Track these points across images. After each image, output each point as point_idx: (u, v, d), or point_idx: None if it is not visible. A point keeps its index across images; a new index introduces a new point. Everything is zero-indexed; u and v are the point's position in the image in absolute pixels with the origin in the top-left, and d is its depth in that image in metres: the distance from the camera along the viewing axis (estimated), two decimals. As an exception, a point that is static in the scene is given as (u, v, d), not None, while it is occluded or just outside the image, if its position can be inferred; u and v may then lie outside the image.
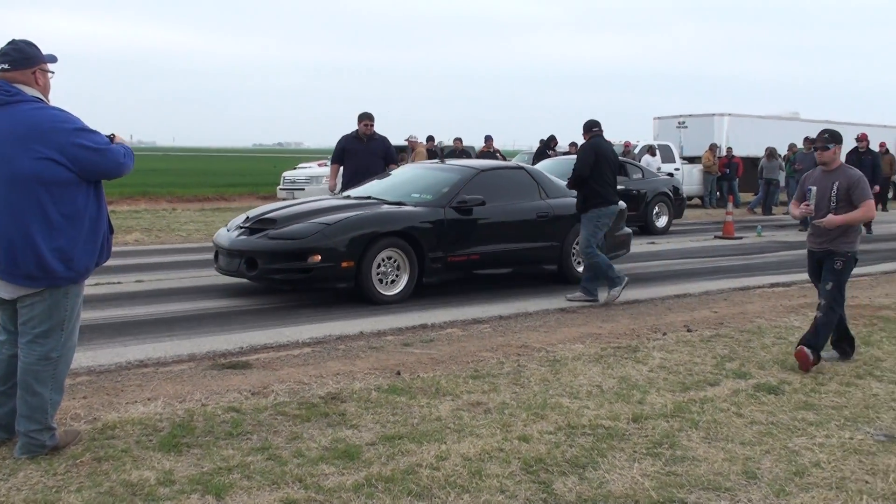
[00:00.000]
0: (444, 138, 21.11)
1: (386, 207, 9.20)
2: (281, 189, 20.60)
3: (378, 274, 8.75)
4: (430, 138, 20.24)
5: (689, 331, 7.65)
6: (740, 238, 16.28)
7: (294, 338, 7.20)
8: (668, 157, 24.52)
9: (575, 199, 9.94)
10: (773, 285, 10.57)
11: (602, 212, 8.96)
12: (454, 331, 7.64)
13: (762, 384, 5.89)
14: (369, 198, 9.66)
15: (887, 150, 26.46)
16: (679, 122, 27.72)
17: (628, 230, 11.31)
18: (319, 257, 8.45)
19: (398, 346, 6.98)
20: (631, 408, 5.29)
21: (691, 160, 26.07)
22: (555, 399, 5.45)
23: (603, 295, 9.02)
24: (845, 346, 6.67)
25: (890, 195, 27.78)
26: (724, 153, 25.06)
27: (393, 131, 18.04)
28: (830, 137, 6.41)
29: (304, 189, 19.65)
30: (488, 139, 20.64)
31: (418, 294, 8.98)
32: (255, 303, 8.77)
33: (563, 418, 5.04)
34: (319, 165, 22.88)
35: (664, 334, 7.48)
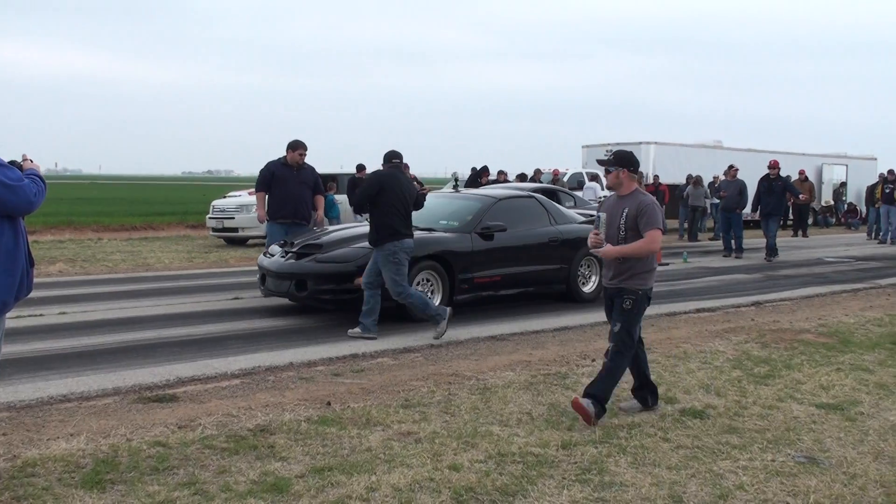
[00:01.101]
0: (376, 167, 20.94)
1: (419, 233, 9.66)
2: (210, 218, 20.31)
3: None
4: (361, 167, 20.20)
5: (617, 357, 7.75)
6: (667, 264, 16.57)
7: (222, 369, 7.11)
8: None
9: (580, 225, 11.42)
10: (698, 310, 10.78)
11: (397, 246, 8.44)
12: (385, 360, 7.63)
13: (688, 409, 6.00)
14: None
15: (806, 178, 27.34)
16: (607, 151, 28.15)
17: None
18: None
19: (328, 377, 6.94)
20: (560, 434, 5.34)
21: (619, 188, 26.48)
22: (485, 427, 5.48)
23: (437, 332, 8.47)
24: (646, 393, 6.00)
25: (810, 221, 28.66)
26: (650, 181, 25.56)
27: (324, 159, 17.90)
28: (615, 160, 5.87)
29: (233, 218, 19.40)
30: (405, 167, 20.72)
31: (349, 323, 8.93)
32: (182, 334, 8.63)
33: (493, 446, 5.07)
34: (250, 194, 22.62)
35: (593, 360, 7.57)
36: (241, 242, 19.67)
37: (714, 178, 25.17)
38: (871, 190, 25.44)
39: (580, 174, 26.41)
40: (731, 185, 18.87)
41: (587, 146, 29.61)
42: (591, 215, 13.07)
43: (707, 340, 8.63)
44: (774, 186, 17.88)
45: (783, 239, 22.06)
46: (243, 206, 19.23)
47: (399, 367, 7.36)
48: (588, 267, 11.40)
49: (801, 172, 27.14)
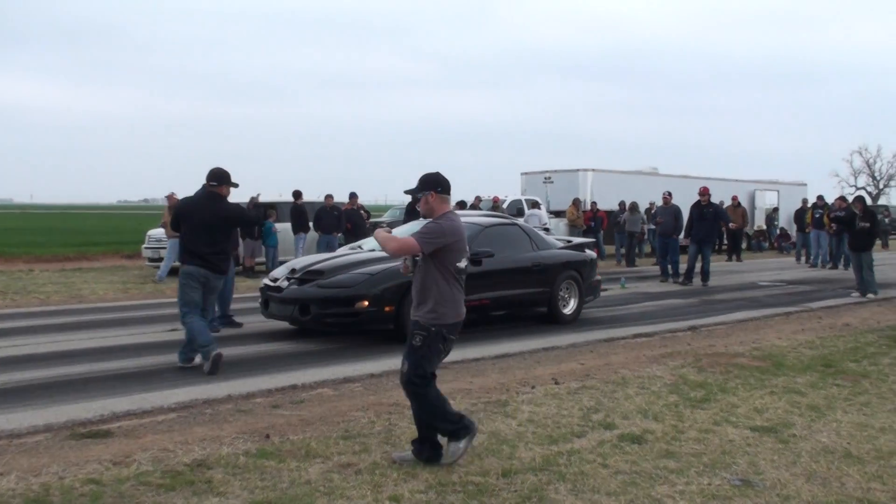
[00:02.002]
0: (315, 195, 20.90)
1: None
2: (146, 248, 20.00)
3: None
4: (298, 193, 20.07)
5: (556, 383, 7.81)
6: (605, 290, 16.76)
7: (158, 403, 6.98)
8: (536, 211, 25.20)
9: (559, 251, 12.22)
10: (636, 336, 10.92)
11: (183, 270, 8.45)
12: (325, 391, 7.57)
13: (626, 434, 6.06)
14: None
15: (739, 204, 27.94)
16: (545, 178, 28.51)
17: (598, 277, 13.15)
18: (367, 303, 9.68)
19: (267, 409, 6.86)
20: (500, 462, 5.35)
21: (557, 214, 26.83)
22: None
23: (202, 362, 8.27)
24: (427, 449, 5.35)
25: (743, 246, 29.26)
26: (588, 207, 25.90)
27: (260, 187, 17.71)
28: (419, 185, 5.39)
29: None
30: (353, 196, 20.73)
31: (288, 353, 8.86)
32: (117, 367, 8.47)
33: (433, 476, 5.06)
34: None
35: (533, 388, 7.61)
36: (177, 273, 19.37)
37: (650, 204, 25.60)
38: (799, 215, 26.02)
39: (519, 201, 26.64)
40: (666, 212, 19.21)
41: (526, 173, 29.92)
42: (568, 240, 13.78)
43: (645, 366, 8.74)
44: (706, 213, 18.20)
45: (717, 263, 22.49)
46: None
47: (339, 397, 7.32)
48: (567, 290, 12.12)
49: (734, 198, 27.74)
